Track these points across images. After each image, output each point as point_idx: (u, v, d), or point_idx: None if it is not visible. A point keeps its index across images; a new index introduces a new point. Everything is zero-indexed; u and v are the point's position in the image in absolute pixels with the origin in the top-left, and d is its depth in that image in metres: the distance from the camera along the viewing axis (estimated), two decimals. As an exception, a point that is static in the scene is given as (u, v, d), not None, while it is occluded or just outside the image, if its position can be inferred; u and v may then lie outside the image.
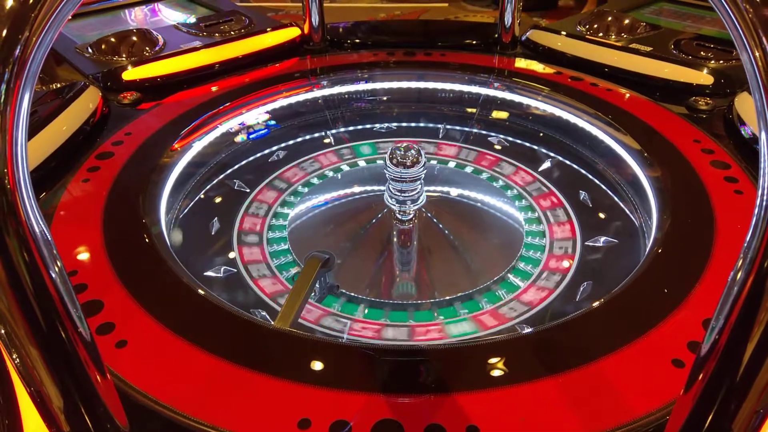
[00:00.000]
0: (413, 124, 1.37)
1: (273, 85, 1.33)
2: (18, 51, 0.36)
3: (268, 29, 1.50)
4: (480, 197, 1.10)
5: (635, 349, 0.66)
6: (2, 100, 0.36)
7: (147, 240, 0.85)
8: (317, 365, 0.65)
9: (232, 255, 0.98)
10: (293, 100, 1.34)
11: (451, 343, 0.80)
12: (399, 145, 0.96)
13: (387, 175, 0.97)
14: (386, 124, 1.37)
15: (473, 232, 1.05)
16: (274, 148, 1.27)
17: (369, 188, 1.13)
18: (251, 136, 1.28)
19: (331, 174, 1.19)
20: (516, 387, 0.62)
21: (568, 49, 1.42)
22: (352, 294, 0.89)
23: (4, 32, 0.35)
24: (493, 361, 0.65)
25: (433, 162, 1.21)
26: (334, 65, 1.44)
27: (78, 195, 0.95)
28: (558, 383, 0.62)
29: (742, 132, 1.06)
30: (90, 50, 1.38)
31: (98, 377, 0.49)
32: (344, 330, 0.84)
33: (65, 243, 0.83)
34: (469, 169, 1.19)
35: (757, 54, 0.34)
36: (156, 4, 1.78)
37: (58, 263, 0.42)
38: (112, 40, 1.39)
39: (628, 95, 1.24)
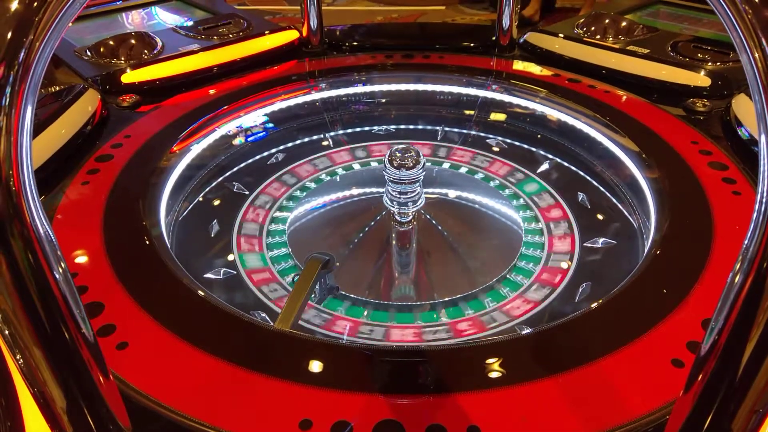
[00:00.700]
0: (411, 127, 1.37)
1: (271, 88, 1.33)
2: (22, 55, 0.36)
3: (267, 32, 1.50)
4: (478, 198, 1.11)
5: (635, 350, 0.66)
6: (7, 103, 0.36)
7: (147, 242, 0.85)
8: (318, 366, 0.65)
9: (231, 257, 0.98)
10: (292, 102, 1.34)
11: (451, 344, 0.80)
12: (398, 147, 0.96)
13: (386, 177, 0.97)
14: (384, 127, 1.37)
15: (472, 234, 1.05)
16: (273, 150, 1.27)
17: (368, 190, 1.14)
18: (250, 139, 1.29)
19: (328, 177, 1.19)
20: (516, 387, 0.62)
21: (565, 52, 1.42)
22: (352, 296, 0.89)
23: (9, 36, 0.36)
24: (493, 361, 0.65)
25: (431, 164, 1.21)
26: (333, 68, 1.45)
27: (78, 198, 0.95)
28: (558, 383, 0.62)
29: (740, 133, 1.06)
30: (89, 53, 1.38)
31: (101, 378, 0.49)
32: (344, 332, 0.85)
33: (65, 245, 0.83)
34: (467, 172, 1.20)
35: (756, 55, 0.34)
36: (154, 7, 1.78)
37: (62, 264, 0.42)
38: (111, 43, 1.39)
39: (625, 97, 1.25)
